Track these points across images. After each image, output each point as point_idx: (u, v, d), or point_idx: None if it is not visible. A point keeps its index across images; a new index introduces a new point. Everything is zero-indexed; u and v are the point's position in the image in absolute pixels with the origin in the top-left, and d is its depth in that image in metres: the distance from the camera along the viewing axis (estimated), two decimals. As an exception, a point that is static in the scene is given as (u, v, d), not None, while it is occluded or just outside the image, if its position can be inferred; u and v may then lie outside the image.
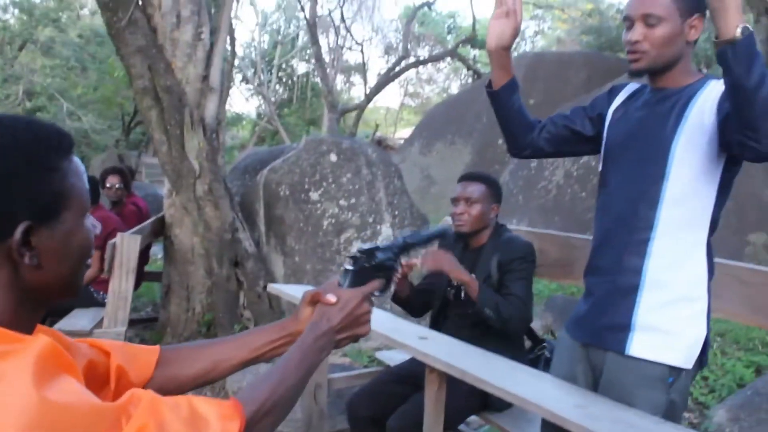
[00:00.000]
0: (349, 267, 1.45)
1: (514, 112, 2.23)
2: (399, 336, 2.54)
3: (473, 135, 9.59)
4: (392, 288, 1.43)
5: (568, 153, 2.38)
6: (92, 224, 1.11)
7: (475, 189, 3.03)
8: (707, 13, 1.81)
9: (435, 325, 3.16)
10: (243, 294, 5.43)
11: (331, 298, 1.34)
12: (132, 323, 6.38)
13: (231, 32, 14.32)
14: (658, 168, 1.94)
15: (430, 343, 2.51)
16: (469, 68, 17.63)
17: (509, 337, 2.92)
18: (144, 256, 6.16)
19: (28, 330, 1.00)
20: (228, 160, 12.80)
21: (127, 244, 4.50)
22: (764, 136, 1.64)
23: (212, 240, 5.38)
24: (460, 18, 21.76)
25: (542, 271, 3.14)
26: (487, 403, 2.84)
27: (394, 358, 3.44)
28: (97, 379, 1.18)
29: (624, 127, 2.08)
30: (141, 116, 7.54)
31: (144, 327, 6.31)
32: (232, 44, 14.97)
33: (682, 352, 1.92)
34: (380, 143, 18.05)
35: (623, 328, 1.98)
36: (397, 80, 24.59)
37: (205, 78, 5.53)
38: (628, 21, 1.96)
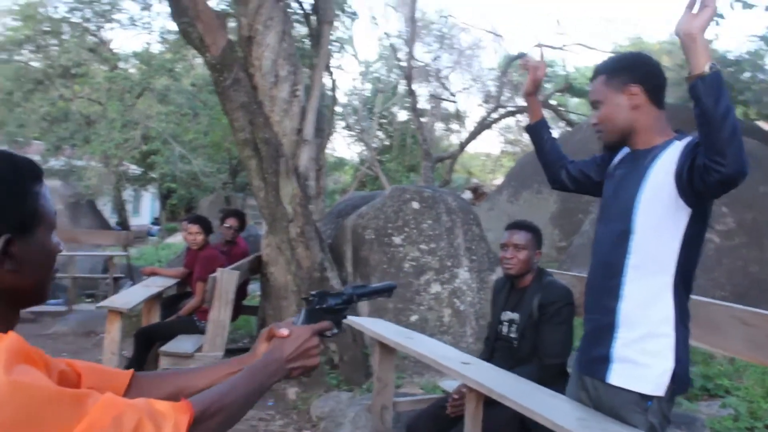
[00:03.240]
0: (303, 308, 1.66)
1: (547, 147, 2.75)
2: (445, 361, 2.96)
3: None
4: (340, 330, 1.68)
5: (585, 192, 2.79)
6: (57, 241, 1.30)
7: (522, 236, 3.45)
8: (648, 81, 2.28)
9: (488, 356, 3.56)
10: (329, 328, 5.91)
11: (284, 331, 1.52)
12: (230, 352, 6.97)
13: (333, 80, 15.11)
14: (625, 222, 2.28)
15: (471, 367, 2.92)
16: (562, 118, 17.84)
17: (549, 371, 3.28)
18: (242, 291, 6.77)
19: (4, 329, 1.16)
20: (329, 204, 13.40)
21: (226, 279, 5.07)
22: (729, 160, 1.91)
23: (303, 278, 5.90)
24: (559, 67, 21.98)
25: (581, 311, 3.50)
26: (526, 428, 3.20)
27: (454, 386, 3.84)
28: None
29: (611, 185, 2.46)
30: (242, 164, 8.19)
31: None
32: (334, 92, 15.72)
33: (651, 382, 2.21)
34: (476, 190, 18.39)
35: (604, 360, 2.31)
36: (496, 128, 24.98)
37: (300, 131, 6.14)
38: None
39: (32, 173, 1.24)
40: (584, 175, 2.67)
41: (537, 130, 2.76)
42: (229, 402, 1.29)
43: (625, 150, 2.48)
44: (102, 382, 1.44)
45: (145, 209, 32.34)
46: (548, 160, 2.75)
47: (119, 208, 23.32)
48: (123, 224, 22.49)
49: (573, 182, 2.71)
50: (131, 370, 1.54)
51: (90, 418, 1.04)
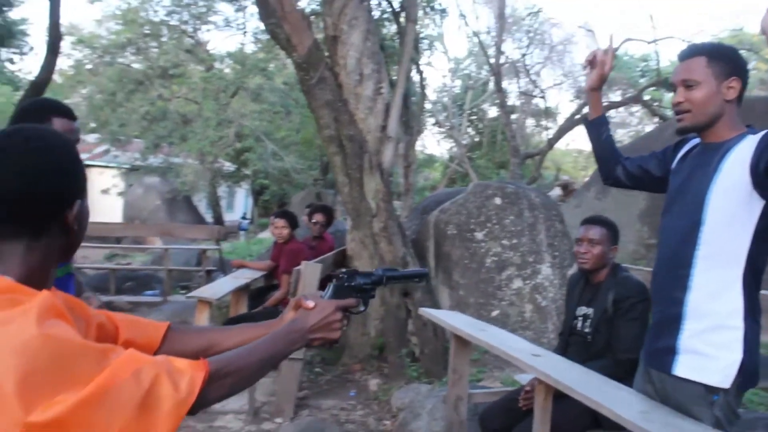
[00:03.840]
0: (332, 283, 1.71)
1: (601, 144, 2.73)
2: (514, 352, 3.01)
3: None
4: (367, 308, 1.73)
5: (641, 188, 2.80)
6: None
7: (597, 232, 3.45)
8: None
9: (563, 351, 3.57)
10: (411, 321, 6.01)
11: (310, 303, 1.59)
12: (315, 344, 7.16)
13: (422, 78, 15.16)
14: (696, 214, 2.27)
15: (541, 360, 2.95)
16: (653, 113, 17.34)
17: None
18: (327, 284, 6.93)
19: (45, 287, 1.27)
20: (418, 200, 13.49)
21: (309, 271, 5.22)
22: None
23: (386, 272, 6.00)
24: (654, 62, 21.40)
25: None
26: (598, 421, 3.20)
27: (528, 379, 3.87)
28: (107, 342, 1.41)
29: (678, 179, 2.45)
30: (328, 161, 8.36)
31: (326, 347, 7.04)
32: (423, 90, 15.77)
33: (718, 373, 2.20)
34: (566, 187, 18.14)
35: (670, 351, 2.31)
36: (588, 124, 24.42)
37: (384, 128, 6.26)
38: (673, 86, 2.37)
39: (75, 144, 1.40)
40: (643, 170, 2.65)
41: (596, 126, 2.73)
42: (245, 364, 1.38)
43: (691, 144, 2.47)
44: (138, 334, 1.54)
45: (239, 205, 33.21)
46: (604, 156, 2.74)
47: (214, 203, 24.05)
48: (217, 219, 23.19)
49: (629, 178, 2.70)
50: (167, 322, 1.62)
51: (111, 369, 1.13)
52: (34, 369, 1.06)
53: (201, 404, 1.25)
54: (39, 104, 2.51)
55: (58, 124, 2.39)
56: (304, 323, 1.56)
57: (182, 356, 1.34)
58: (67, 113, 2.44)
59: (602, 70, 2.60)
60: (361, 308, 1.70)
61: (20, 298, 1.17)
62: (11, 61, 30.03)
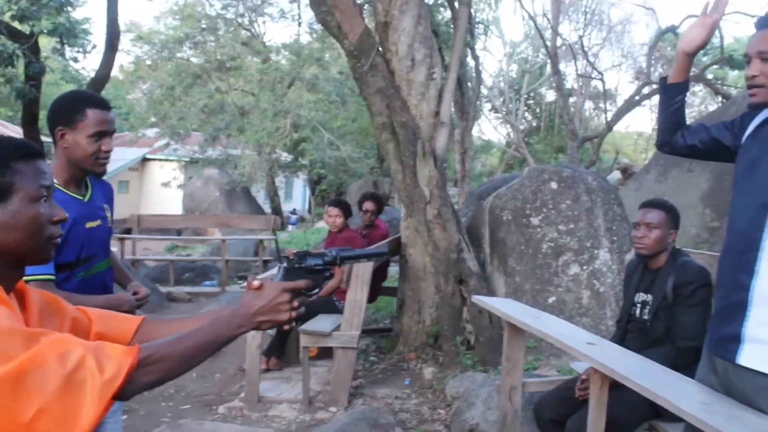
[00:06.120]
0: (282, 265, 1.71)
1: (672, 110, 2.50)
2: (568, 341, 2.91)
3: (711, 162, 9.15)
4: (321, 289, 1.72)
5: (699, 157, 2.59)
6: (50, 208, 1.46)
7: (655, 215, 3.31)
8: None
9: (620, 339, 3.46)
10: (466, 309, 5.93)
11: (256, 283, 1.58)
12: (371, 332, 7.16)
13: (478, 63, 14.99)
14: (765, 195, 2.12)
15: (596, 348, 2.85)
16: (717, 92, 16.77)
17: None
18: (382, 272, 6.90)
19: (4, 286, 1.36)
20: (475, 186, 13.39)
21: (362, 260, 5.19)
22: None
23: (440, 259, 5.94)
24: (716, 38, 20.73)
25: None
26: (659, 411, 3.09)
27: (584, 367, 3.77)
28: (80, 335, 1.48)
29: (748, 156, 2.28)
30: (381, 148, 8.31)
31: (381, 336, 7.04)
32: (478, 75, 15.59)
33: None
34: (625, 170, 17.74)
35: (735, 339, 2.17)
36: (648, 105, 23.98)
37: (437, 114, 6.17)
38: (747, 57, 2.19)
39: (14, 151, 1.42)
40: (711, 138, 2.45)
41: (675, 91, 2.48)
42: (178, 349, 1.39)
43: (761, 117, 2.30)
44: (111, 326, 1.62)
45: (297, 195, 33.48)
46: (669, 123, 2.53)
47: (272, 194, 24.27)
48: (275, 210, 23.40)
49: (689, 148, 2.51)
50: (142, 316, 1.70)
51: (36, 350, 1.18)
52: None
53: (132, 389, 1.29)
54: (74, 96, 2.52)
55: (92, 115, 2.39)
56: (249, 307, 1.55)
57: None
58: (101, 104, 2.44)
59: (707, 35, 2.35)
60: (315, 290, 1.68)
61: None
62: (75, 59, 30.77)
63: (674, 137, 2.54)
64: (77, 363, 1.20)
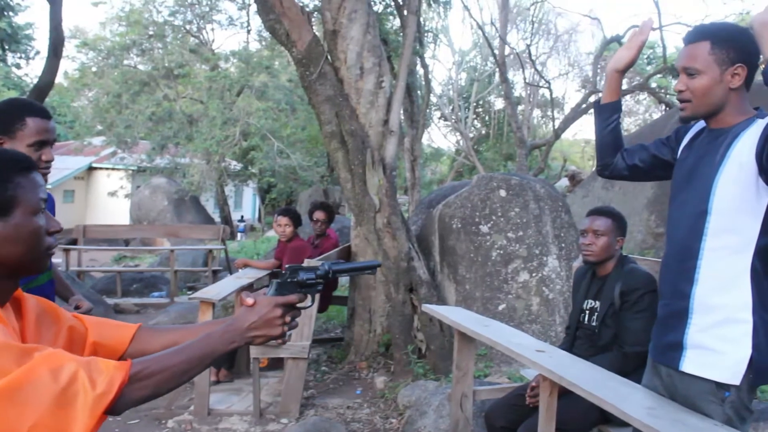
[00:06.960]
0: (275, 280, 1.71)
1: (609, 130, 2.54)
2: (518, 348, 2.93)
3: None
4: (314, 303, 1.71)
5: (638, 179, 2.65)
6: (42, 224, 1.47)
7: (602, 223, 3.36)
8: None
9: (569, 345, 3.49)
10: (417, 317, 5.93)
11: (249, 300, 1.58)
12: (322, 342, 7.13)
13: (427, 71, 15.04)
14: (703, 203, 2.17)
15: (545, 356, 2.88)
16: (660, 101, 17.15)
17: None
18: (333, 282, 6.88)
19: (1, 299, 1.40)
20: (425, 194, 13.44)
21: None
22: None
23: (390, 268, 5.94)
24: (659, 48, 21.19)
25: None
26: (607, 417, 3.13)
27: (534, 374, 3.79)
28: (76, 344, 1.57)
29: (684, 166, 2.33)
30: (330, 157, 8.29)
31: (332, 346, 7.01)
32: (427, 83, 15.65)
33: (727, 370, 2.11)
34: (573, 178, 17.99)
35: (678, 347, 2.22)
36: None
37: (386, 122, 6.17)
38: (677, 71, 2.24)
39: (13, 164, 1.44)
40: (651, 156, 2.50)
41: (609, 111, 2.53)
42: (170, 364, 1.39)
43: (696, 129, 2.37)
44: (107, 335, 1.63)
45: (247, 204, 33.23)
46: (606, 144, 2.55)
47: (221, 203, 24.07)
48: (225, 219, 23.19)
49: (629, 168, 2.54)
50: (138, 324, 1.69)
51: (29, 365, 1.19)
52: None
53: (124, 403, 1.30)
54: (13, 104, 2.46)
55: (32, 123, 2.33)
56: (242, 322, 1.55)
57: (147, 355, 1.43)
58: (41, 113, 2.39)
59: (634, 54, 2.41)
60: (308, 303, 1.69)
61: None
62: (17, 65, 30.15)
63: (614, 159, 2.57)
64: (70, 378, 1.21)
